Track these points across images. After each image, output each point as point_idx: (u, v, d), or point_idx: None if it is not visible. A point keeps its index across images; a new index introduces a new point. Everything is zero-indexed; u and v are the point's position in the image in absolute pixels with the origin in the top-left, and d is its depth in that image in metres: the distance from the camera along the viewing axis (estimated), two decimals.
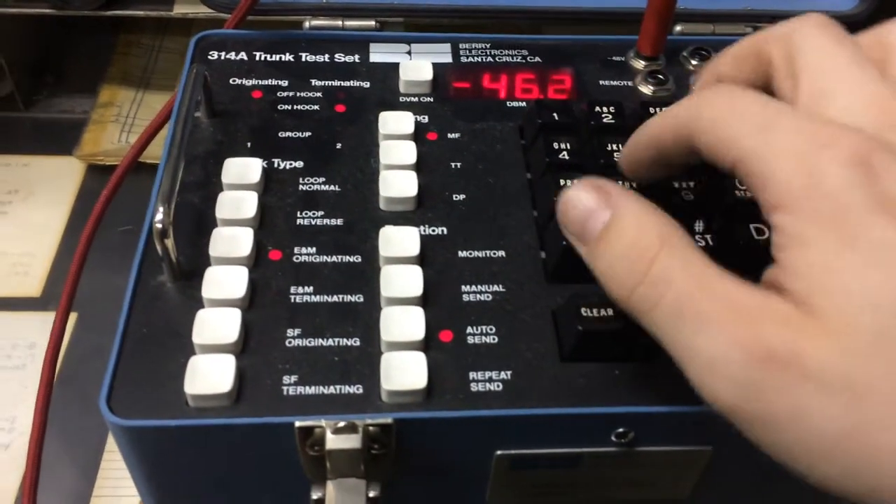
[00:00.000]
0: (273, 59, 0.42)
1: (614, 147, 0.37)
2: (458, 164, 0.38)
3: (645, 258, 0.25)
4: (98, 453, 0.46)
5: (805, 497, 0.34)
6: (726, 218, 0.34)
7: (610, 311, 0.31)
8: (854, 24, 0.47)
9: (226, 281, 0.32)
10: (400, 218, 0.36)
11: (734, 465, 0.33)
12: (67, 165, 0.60)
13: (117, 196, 0.40)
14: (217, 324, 0.30)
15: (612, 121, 0.38)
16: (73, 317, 0.51)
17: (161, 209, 0.31)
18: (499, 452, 0.31)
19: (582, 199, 0.28)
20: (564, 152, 0.37)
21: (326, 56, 0.43)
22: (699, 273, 0.25)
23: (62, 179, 0.60)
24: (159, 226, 0.31)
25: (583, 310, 0.31)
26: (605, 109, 0.39)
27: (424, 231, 0.35)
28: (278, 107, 0.40)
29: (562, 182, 0.35)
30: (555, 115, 0.38)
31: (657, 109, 0.39)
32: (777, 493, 0.35)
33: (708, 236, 0.33)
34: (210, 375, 0.29)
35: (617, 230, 0.27)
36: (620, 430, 0.31)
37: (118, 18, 0.58)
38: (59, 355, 0.38)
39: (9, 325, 0.51)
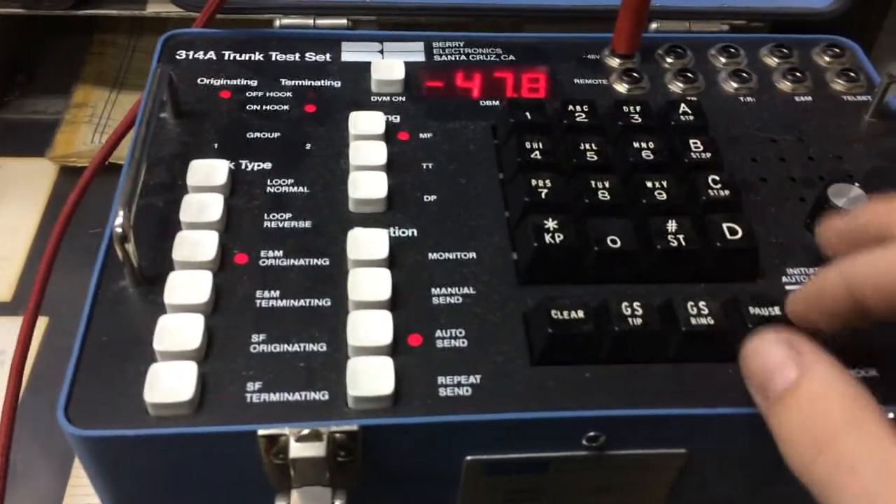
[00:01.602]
0: (242, 58, 0.42)
1: (587, 146, 0.36)
2: (430, 165, 0.38)
3: (828, 431, 0.24)
4: (69, 460, 0.45)
5: (788, 501, 0.33)
6: (699, 217, 0.34)
7: (580, 314, 0.31)
8: (827, 22, 0.47)
9: (189, 286, 0.31)
10: (370, 220, 0.35)
11: (712, 468, 0.32)
12: (40, 167, 0.59)
13: (89, 198, 0.39)
14: (179, 330, 0.30)
15: (586, 120, 0.38)
16: (44, 321, 0.51)
17: (121, 213, 0.30)
18: (469, 458, 0.31)
19: (770, 352, 0.27)
20: (536, 152, 0.36)
21: (297, 55, 0.42)
22: (886, 464, 0.23)
23: (34, 181, 0.59)
24: (119, 230, 0.30)
25: (553, 312, 0.31)
26: (578, 108, 0.38)
27: (394, 233, 0.35)
28: (247, 107, 0.39)
29: (534, 182, 0.35)
30: (527, 114, 0.38)
31: (630, 108, 0.38)
32: (759, 498, 0.34)
33: (680, 236, 0.33)
34: (171, 383, 0.28)
35: (802, 395, 0.25)
36: (591, 433, 0.30)
37: (92, 18, 0.57)
38: (26, 361, 0.38)
39: None
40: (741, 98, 0.42)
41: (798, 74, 0.42)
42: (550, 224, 0.33)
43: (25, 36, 0.66)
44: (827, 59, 0.43)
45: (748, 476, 0.33)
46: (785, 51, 0.44)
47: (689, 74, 0.42)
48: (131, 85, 0.65)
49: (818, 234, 0.32)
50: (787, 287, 0.34)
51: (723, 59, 0.43)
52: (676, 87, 0.42)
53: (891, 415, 0.29)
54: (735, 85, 0.42)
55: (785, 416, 0.26)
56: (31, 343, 0.48)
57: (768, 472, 0.32)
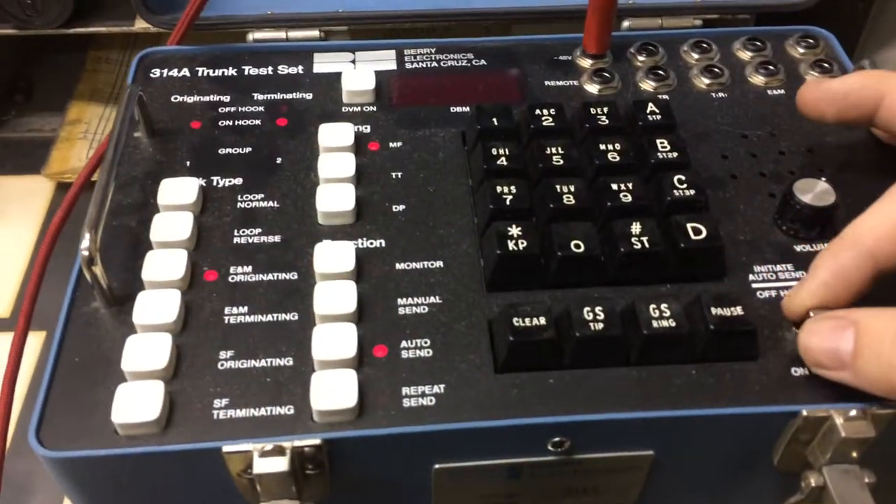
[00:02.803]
0: (216, 73, 0.42)
1: (553, 150, 0.36)
2: (399, 174, 0.38)
3: None
4: None
5: (756, 497, 0.33)
6: (665, 219, 0.34)
7: (542, 321, 0.31)
8: (800, 13, 0.46)
9: (157, 305, 0.32)
10: (338, 232, 0.35)
11: (681, 468, 0.33)
12: (37, 184, 0.60)
13: (84, 212, 0.40)
14: (146, 350, 0.30)
15: (553, 123, 0.38)
16: (41, 335, 0.52)
17: (87, 236, 0.31)
18: (437, 466, 0.31)
19: (822, 333, 0.30)
20: (503, 158, 0.36)
21: (270, 69, 0.42)
22: None
23: (31, 198, 0.60)
24: (86, 253, 0.31)
25: (514, 320, 0.31)
26: (544, 112, 0.38)
27: (362, 244, 0.35)
28: (219, 123, 0.40)
29: (499, 189, 0.35)
30: (494, 119, 0.38)
31: (598, 110, 0.38)
32: (727, 495, 0.34)
33: (644, 238, 0.33)
34: (138, 403, 0.29)
35: (868, 348, 0.28)
36: (557, 438, 0.30)
37: (86, 35, 0.57)
38: (18, 375, 0.39)
39: None
40: (713, 94, 0.41)
41: (771, 67, 0.42)
42: (514, 231, 0.33)
43: (22, 55, 0.67)
44: (801, 50, 0.43)
45: (718, 475, 0.33)
46: (758, 44, 0.43)
47: (661, 72, 0.42)
48: None
49: (800, 96, 0.36)
50: (753, 285, 0.34)
51: (695, 55, 0.43)
52: (648, 85, 0.42)
53: (853, 412, 0.29)
54: (707, 81, 0.42)
55: (866, 372, 0.28)
56: (30, 358, 0.49)
57: (739, 470, 0.33)
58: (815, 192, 0.34)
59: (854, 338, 0.29)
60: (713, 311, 0.31)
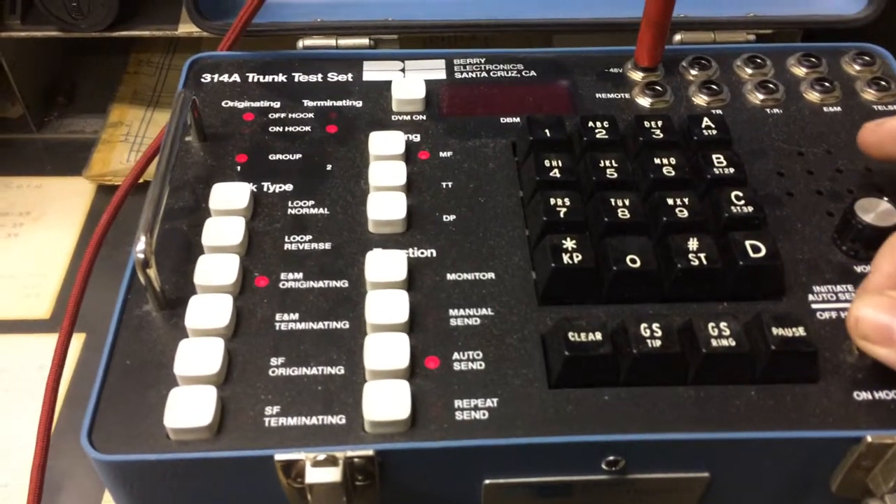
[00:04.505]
0: (266, 80, 0.42)
1: (607, 163, 0.36)
2: (450, 184, 0.38)
3: None
4: None
5: None
6: (721, 236, 0.34)
7: (598, 336, 0.30)
8: (856, 30, 0.45)
9: (210, 310, 0.32)
10: (388, 241, 0.35)
11: (736, 491, 0.32)
12: (78, 186, 0.61)
13: (128, 216, 0.40)
14: (199, 354, 0.30)
15: (606, 136, 0.37)
16: (81, 337, 0.52)
17: (142, 239, 0.31)
18: (487, 481, 0.30)
19: (876, 311, 0.29)
20: (555, 170, 0.36)
21: (319, 76, 0.42)
22: None
23: (73, 200, 0.60)
24: (141, 256, 0.31)
25: (570, 334, 0.30)
26: (597, 124, 0.38)
27: (413, 254, 0.35)
28: (270, 129, 0.40)
29: (552, 201, 0.35)
30: (546, 131, 0.38)
31: (652, 123, 0.38)
32: None
33: (702, 254, 0.32)
34: (190, 408, 0.29)
35: None
36: (611, 458, 0.30)
37: (128, 38, 0.58)
38: (61, 377, 0.39)
39: (19, 348, 0.52)
40: (767, 110, 0.41)
41: (827, 84, 0.41)
42: (569, 244, 0.33)
43: (64, 58, 0.67)
44: (857, 67, 0.42)
45: (773, 499, 0.32)
46: (813, 60, 0.43)
47: (714, 86, 0.41)
48: (166, 103, 0.66)
49: (863, 140, 0.36)
50: (813, 305, 0.33)
51: (749, 70, 0.42)
52: (701, 99, 0.41)
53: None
54: (761, 96, 0.41)
55: None
56: (70, 359, 0.49)
57: (795, 495, 0.32)
58: (877, 211, 0.34)
59: None
60: (774, 331, 0.30)
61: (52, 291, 0.54)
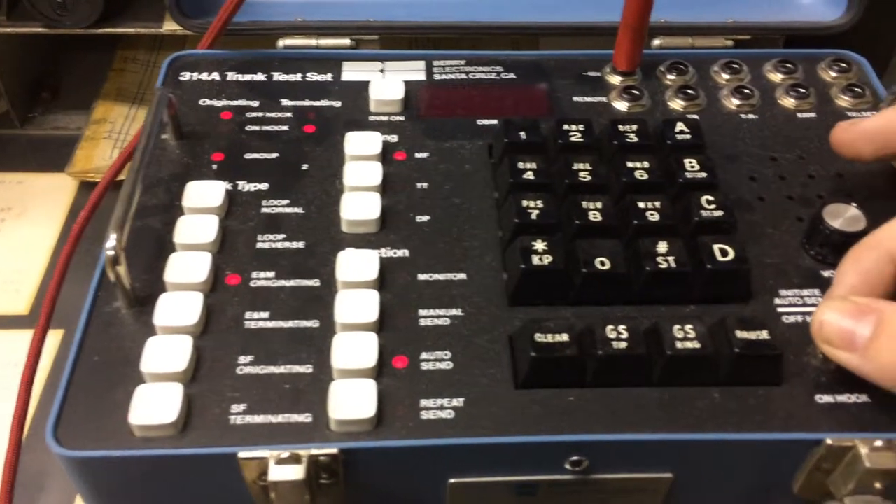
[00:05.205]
0: (245, 78, 0.42)
1: (581, 166, 0.36)
2: (425, 185, 0.38)
3: None
4: None
5: None
6: (691, 239, 0.34)
7: (565, 337, 0.31)
8: (836, 35, 0.46)
9: (179, 307, 0.32)
10: (362, 240, 0.35)
11: (700, 492, 0.32)
12: (60, 182, 0.61)
13: (107, 212, 0.40)
14: (167, 352, 0.30)
15: (580, 139, 0.38)
16: (59, 333, 0.52)
17: (112, 236, 0.31)
18: (452, 480, 0.31)
19: (840, 316, 0.30)
20: (529, 172, 0.36)
21: (299, 75, 0.43)
22: None
23: (55, 196, 0.60)
24: (111, 253, 0.31)
25: (537, 336, 0.31)
26: (573, 127, 0.38)
27: (385, 254, 0.35)
28: (247, 127, 0.40)
29: (524, 203, 0.35)
30: (522, 133, 0.38)
31: (627, 127, 0.38)
32: None
33: (670, 258, 0.33)
34: (156, 405, 0.29)
35: (888, 334, 0.29)
36: (575, 458, 0.30)
37: (112, 36, 0.58)
38: (36, 375, 0.39)
39: None
40: (743, 115, 0.41)
41: (802, 90, 0.42)
42: (539, 245, 0.33)
43: (50, 53, 0.67)
44: (833, 74, 0.43)
45: (736, 500, 0.32)
46: (790, 66, 0.43)
47: (690, 91, 0.42)
48: (150, 100, 0.66)
49: (836, 137, 0.36)
50: (779, 309, 0.33)
51: (726, 76, 0.43)
52: (677, 104, 0.41)
53: (878, 442, 0.29)
54: (737, 102, 0.41)
55: (880, 357, 0.29)
56: (48, 355, 0.49)
57: (758, 496, 0.32)
58: (844, 217, 0.34)
59: (875, 324, 0.29)
60: (738, 334, 0.31)
61: (32, 287, 0.54)
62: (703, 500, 0.33)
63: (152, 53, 0.69)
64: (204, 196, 0.36)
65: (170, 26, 0.57)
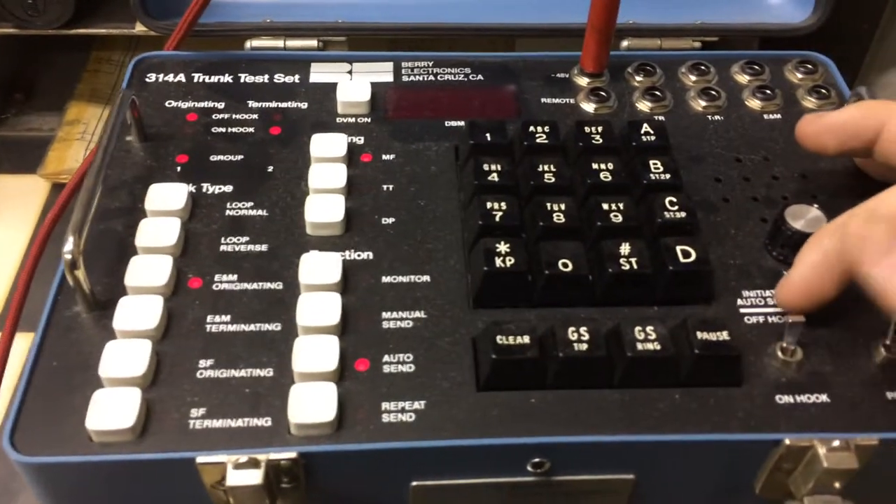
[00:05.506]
0: (211, 80, 0.42)
1: (545, 168, 0.36)
2: (391, 187, 0.38)
3: None
4: None
5: None
6: (655, 241, 0.34)
7: (526, 339, 0.31)
8: (805, 36, 0.46)
9: (139, 311, 0.32)
10: (326, 243, 0.35)
11: (663, 493, 0.32)
12: (33, 184, 0.60)
13: None
14: (125, 356, 0.30)
15: (546, 141, 0.38)
16: (29, 337, 0.51)
17: (70, 240, 0.31)
18: (414, 483, 0.31)
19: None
20: (494, 174, 0.36)
21: (266, 77, 0.42)
22: None
23: (27, 198, 0.60)
24: (69, 257, 0.30)
25: (498, 338, 0.31)
26: (538, 129, 0.38)
27: (349, 256, 0.35)
28: (212, 129, 0.40)
29: (488, 205, 0.35)
30: (487, 135, 0.38)
31: (592, 129, 0.38)
32: None
33: (633, 259, 0.33)
34: (113, 410, 0.29)
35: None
36: (536, 459, 0.30)
37: (87, 36, 0.58)
38: (3, 379, 0.38)
39: None
40: (709, 116, 0.41)
41: (768, 92, 0.42)
42: (502, 247, 0.33)
43: (23, 54, 0.67)
44: (799, 75, 0.43)
45: (699, 500, 0.32)
46: (756, 67, 0.43)
47: (658, 93, 0.42)
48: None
49: (801, 129, 0.37)
50: (742, 310, 0.33)
51: (693, 77, 0.43)
52: (644, 105, 0.41)
53: (836, 442, 0.29)
54: (703, 103, 0.41)
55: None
56: (17, 359, 0.48)
57: (721, 496, 0.32)
58: (806, 218, 0.34)
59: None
60: (699, 335, 0.31)
61: (3, 290, 0.54)
62: (668, 501, 0.33)
63: (127, 54, 0.69)
64: (167, 198, 0.36)
65: (143, 27, 0.57)
